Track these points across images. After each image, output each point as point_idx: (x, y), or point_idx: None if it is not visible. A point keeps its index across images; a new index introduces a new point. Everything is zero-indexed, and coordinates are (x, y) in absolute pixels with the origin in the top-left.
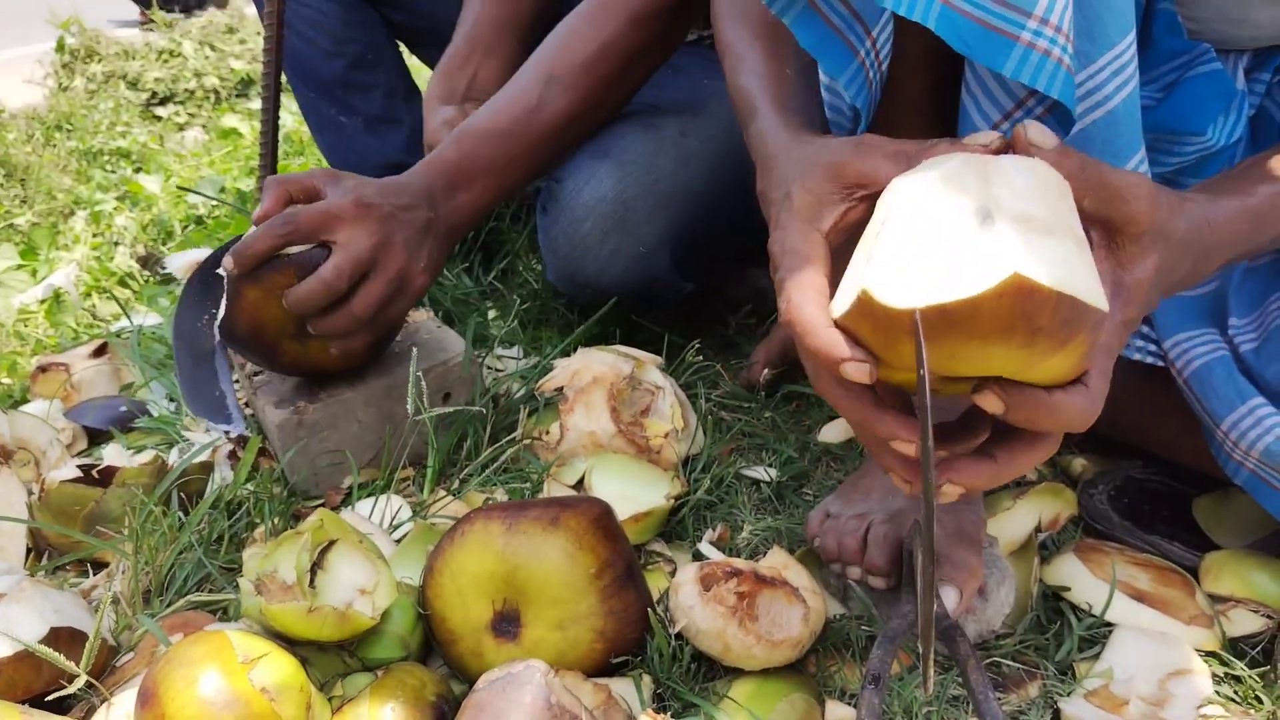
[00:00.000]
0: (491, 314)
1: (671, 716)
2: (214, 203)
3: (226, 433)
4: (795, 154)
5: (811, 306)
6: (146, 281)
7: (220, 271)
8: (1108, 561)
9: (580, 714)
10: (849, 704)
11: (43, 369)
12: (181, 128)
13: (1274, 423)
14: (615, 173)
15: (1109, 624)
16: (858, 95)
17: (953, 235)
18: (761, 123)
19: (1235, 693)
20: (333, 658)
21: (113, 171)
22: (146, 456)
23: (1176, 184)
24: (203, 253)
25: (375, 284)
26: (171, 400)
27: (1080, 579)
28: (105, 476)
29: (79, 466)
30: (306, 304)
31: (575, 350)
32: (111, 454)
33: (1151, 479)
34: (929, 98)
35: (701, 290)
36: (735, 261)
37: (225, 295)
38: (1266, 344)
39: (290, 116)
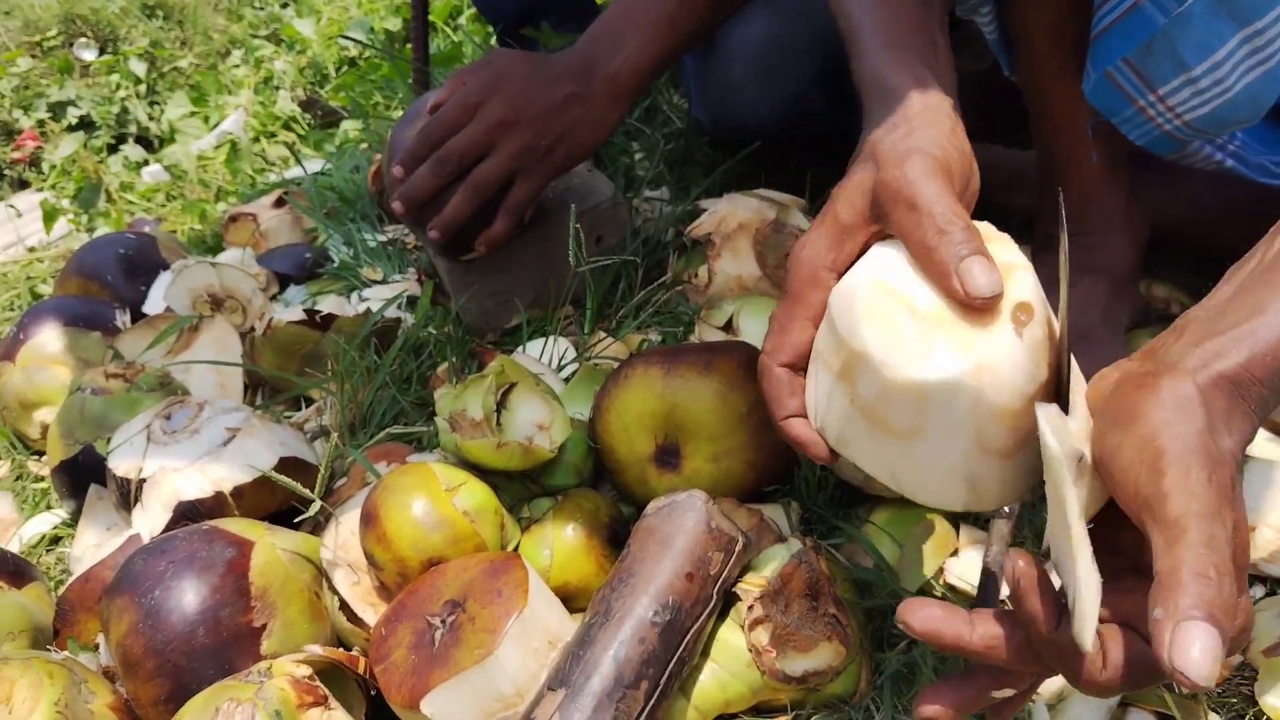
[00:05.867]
0: (638, 155)
1: (817, 538)
2: (365, 46)
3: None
4: (880, 125)
5: (778, 368)
6: (310, 126)
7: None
8: None
9: (736, 536)
10: (981, 528)
11: (233, 219)
12: None
13: None
14: (765, 13)
15: (1245, 456)
16: None
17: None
18: (869, 64)
19: None
20: (518, 484)
21: (261, 9)
22: (334, 302)
23: None
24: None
25: (490, 163)
26: (349, 246)
27: None
28: (325, 322)
29: (304, 311)
30: (416, 190)
31: (719, 189)
32: (330, 303)
33: None
34: None
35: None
36: None
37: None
38: None
39: None
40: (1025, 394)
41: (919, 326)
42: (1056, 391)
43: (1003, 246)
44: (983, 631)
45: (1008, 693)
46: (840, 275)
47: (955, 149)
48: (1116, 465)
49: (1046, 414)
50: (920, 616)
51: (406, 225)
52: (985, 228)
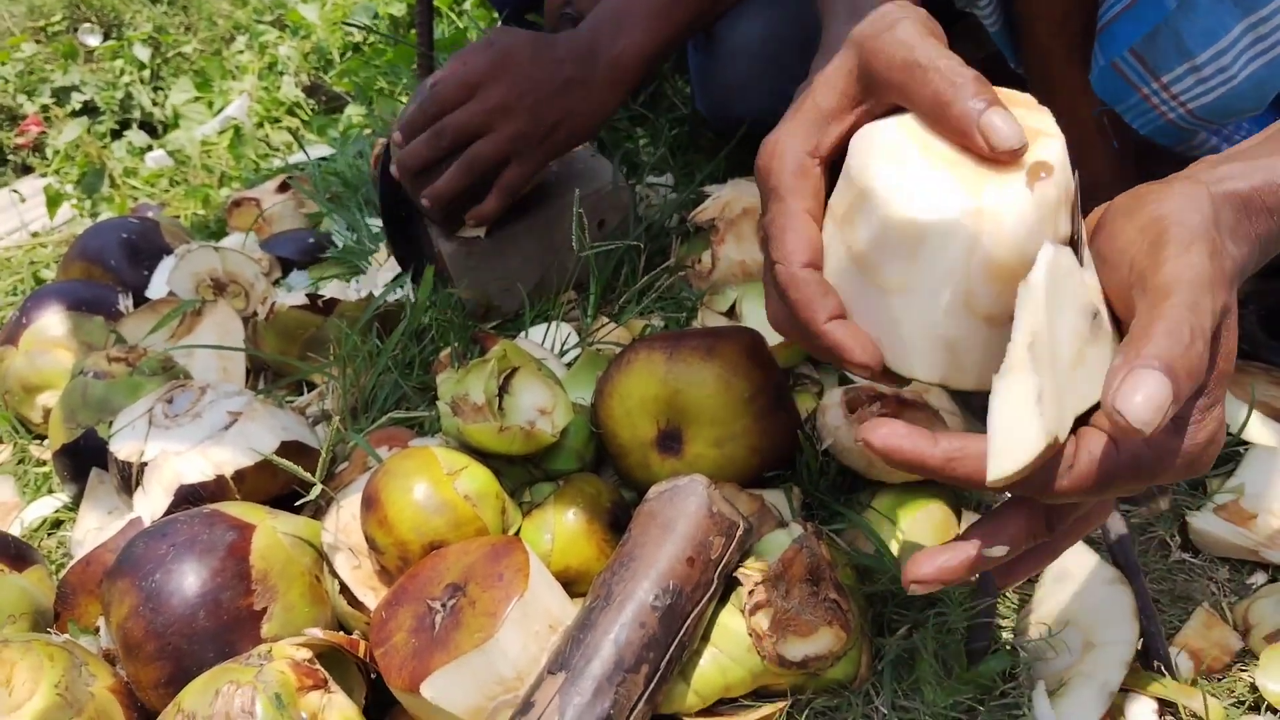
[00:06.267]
0: (642, 140)
1: (819, 524)
2: (370, 31)
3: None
4: (839, 23)
5: (800, 270)
6: (314, 111)
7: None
8: (1249, 382)
9: (737, 521)
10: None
11: (236, 203)
12: None
13: None
14: (766, 9)
15: (1245, 443)
16: None
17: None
18: None
19: None
20: (519, 469)
21: None
22: (337, 287)
23: None
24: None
25: (485, 143)
26: (352, 231)
27: None
28: (328, 306)
29: (306, 295)
30: (410, 159)
31: (723, 175)
32: (332, 287)
33: None
34: None
35: None
36: None
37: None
38: None
39: None
40: (1024, 253)
41: (931, 164)
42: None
43: (1034, 114)
44: (945, 445)
45: (1000, 550)
46: (825, 164)
47: (936, 25)
48: (1115, 247)
49: (1059, 253)
50: (881, 434)
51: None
52: (1025, 97)
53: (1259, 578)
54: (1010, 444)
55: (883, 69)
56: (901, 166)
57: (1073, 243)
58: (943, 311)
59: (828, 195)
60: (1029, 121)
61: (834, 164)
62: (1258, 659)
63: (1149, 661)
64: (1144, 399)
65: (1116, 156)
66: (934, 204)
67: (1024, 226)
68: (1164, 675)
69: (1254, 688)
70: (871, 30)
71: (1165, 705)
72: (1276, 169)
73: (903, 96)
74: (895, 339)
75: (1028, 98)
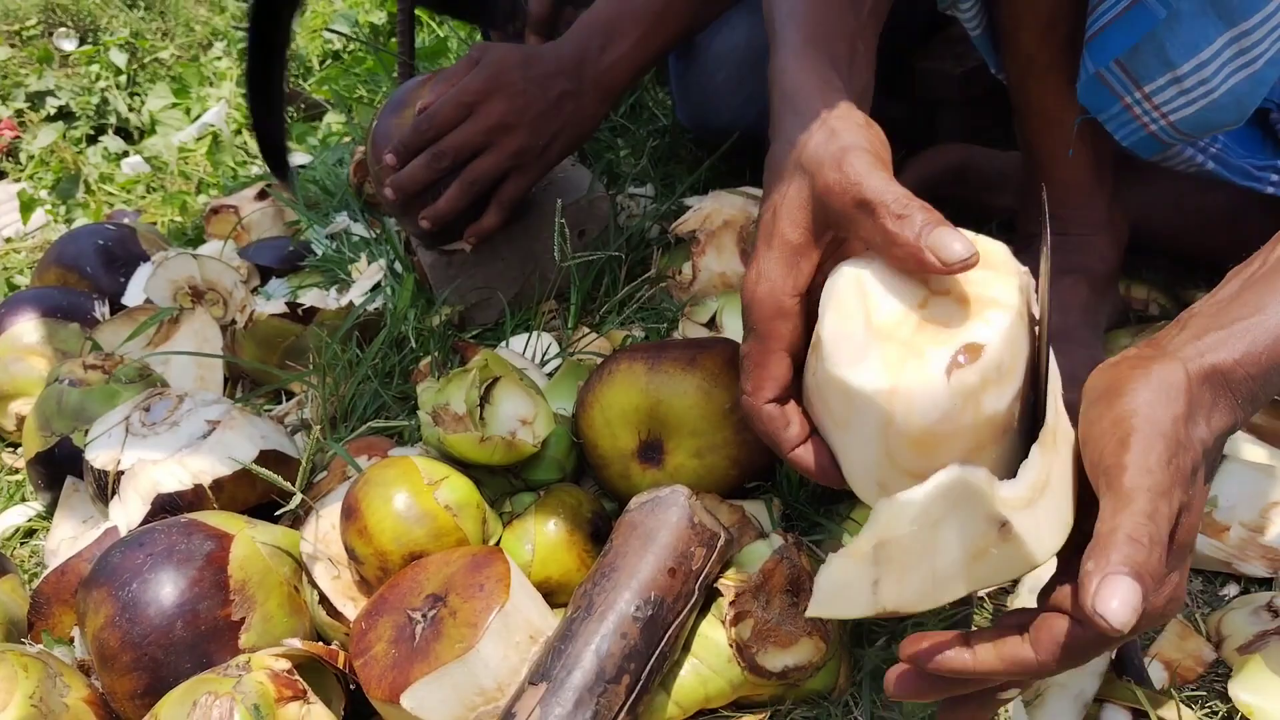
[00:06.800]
0: (623, 152)
1: (799, 535)
2: (350, 39)
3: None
4: (794, 135)
5: (768, 403)
6: (293, 119)
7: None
8: None
9: (719, 532)
10: None
11: (215, 211)
12: None
13: None
14: (747, 20)
15: (1223, 455)
16: None
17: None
18: (780, 60)
19: None
20: (500, 479)
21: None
22: (316, 295)
23: None
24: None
25: (487, 161)
26: (332, 240)
27: None
28: (307, 315)
29: (286, 304)
30: (407, 181)
31: (704, 186)
32: (312, 296)
33: None
34: None
35: None
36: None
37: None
38: None
39: None
40: (937, 432)
41: (866, 333)
42: (1031, 429)
43: (995, 277)
44: (984, 652)
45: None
46: (803, 298)
47: (880, 143)
48: (1091, 435)
49: (966, 474)
50: (923, 651)
51: (393, 214)
52: (993, 250)
53: (1231, 589)
54: (830, 602)
55: (837, 208)
56: (845, 324)
57: (1033, 414)
58: (874, 461)
59: (812, 322)
60: (986, 289)
61: (818, 289)
62: (1231, 669)
63: (1123, 672)
64: (1120, 604)
65: (1090, 167)
66: (859, 374)
67: (936, 410)
68: (1139, 685)
69: (1226, 697)
70: (825, 158)
71: (1140, 715)
72: (1256, 335)
73: (857, 232)
74: (845, 464)
75: (1004, 255)
